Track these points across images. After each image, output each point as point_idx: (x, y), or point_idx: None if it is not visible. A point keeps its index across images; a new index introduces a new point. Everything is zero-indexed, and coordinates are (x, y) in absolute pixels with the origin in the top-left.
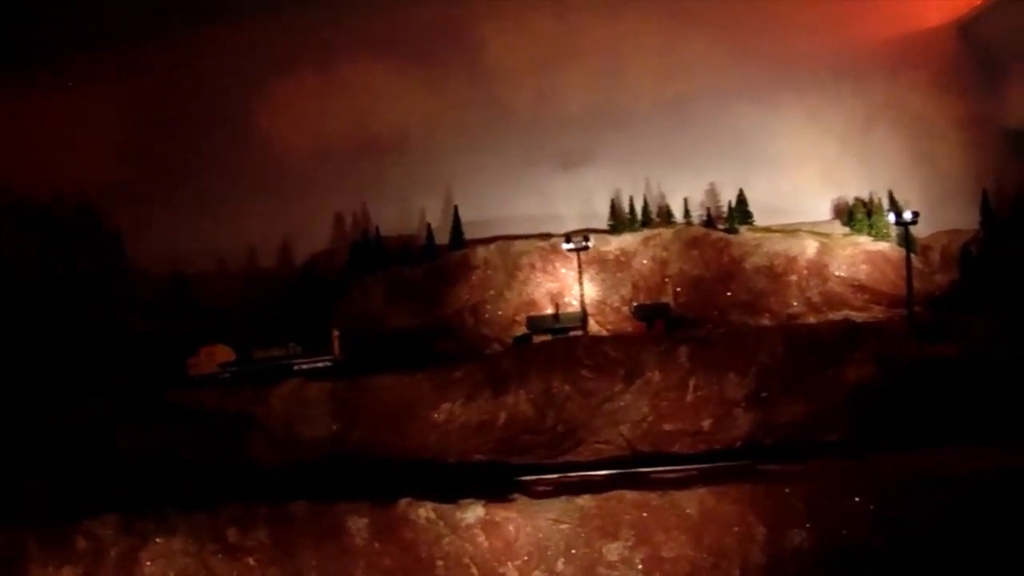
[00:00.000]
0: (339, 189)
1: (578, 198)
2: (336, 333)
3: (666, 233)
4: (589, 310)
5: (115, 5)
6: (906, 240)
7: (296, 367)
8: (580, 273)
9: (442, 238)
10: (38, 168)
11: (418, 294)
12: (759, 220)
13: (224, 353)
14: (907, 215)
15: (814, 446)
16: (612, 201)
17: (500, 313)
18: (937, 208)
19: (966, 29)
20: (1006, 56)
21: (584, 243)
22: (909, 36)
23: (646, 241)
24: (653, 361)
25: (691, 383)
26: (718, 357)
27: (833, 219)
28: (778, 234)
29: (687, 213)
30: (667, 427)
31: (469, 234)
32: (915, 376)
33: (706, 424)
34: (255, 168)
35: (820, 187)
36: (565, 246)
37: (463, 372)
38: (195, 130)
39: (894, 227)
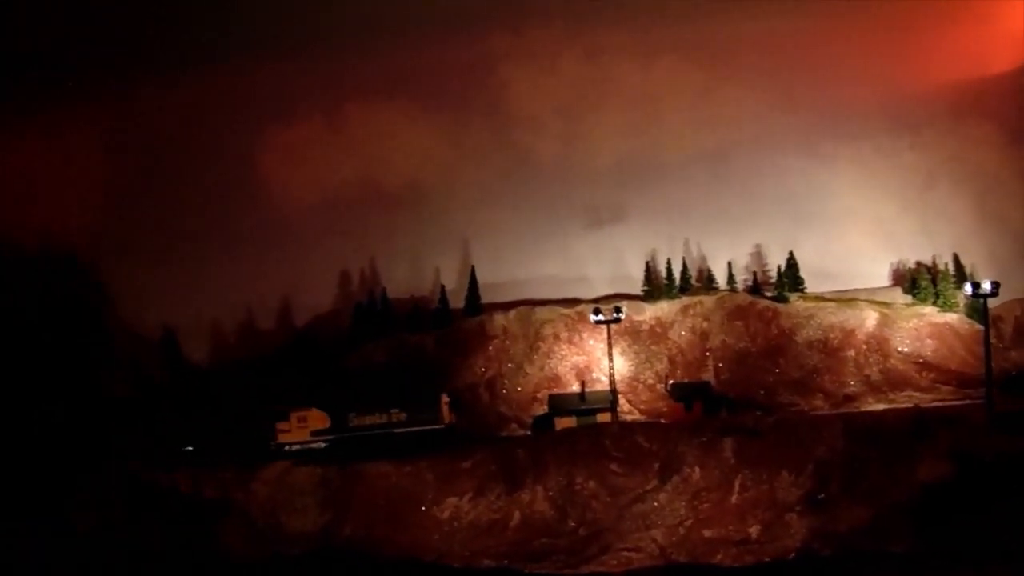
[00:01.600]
0: (345, 245)
1: (608, 259)
2: (446, 398)
3: (707, 301)
4: (620, 387)
5: (106, 43)
6: (984, 313)
7: (400, 435)
8: (610, 347)
9: (457, 301)
10: (17, 216)
11: (428, 365)
12: (809, 286)
13: (318, 419)
14: (985, 285)
15: (880, 558)
16: (647, 263)
17: (519, 389)
18: (1008, 274)
19: None
20: None
21: (616, 315)
22: (973, 83)
23: (685, 310)
24: (693, 455)
25: (737, 482)
26: (768, 451)
27: (893, 286)
28: (833, 303)
29: (731, 278)
30: (708, 533)
31: (487, 297)
32: (998, 476)
33: (754, 531)
34: (254, 220)
35: (877, 249)
36: (593, 318)
37: (472, 462)
38: (189, 178)
39: (965, 296)
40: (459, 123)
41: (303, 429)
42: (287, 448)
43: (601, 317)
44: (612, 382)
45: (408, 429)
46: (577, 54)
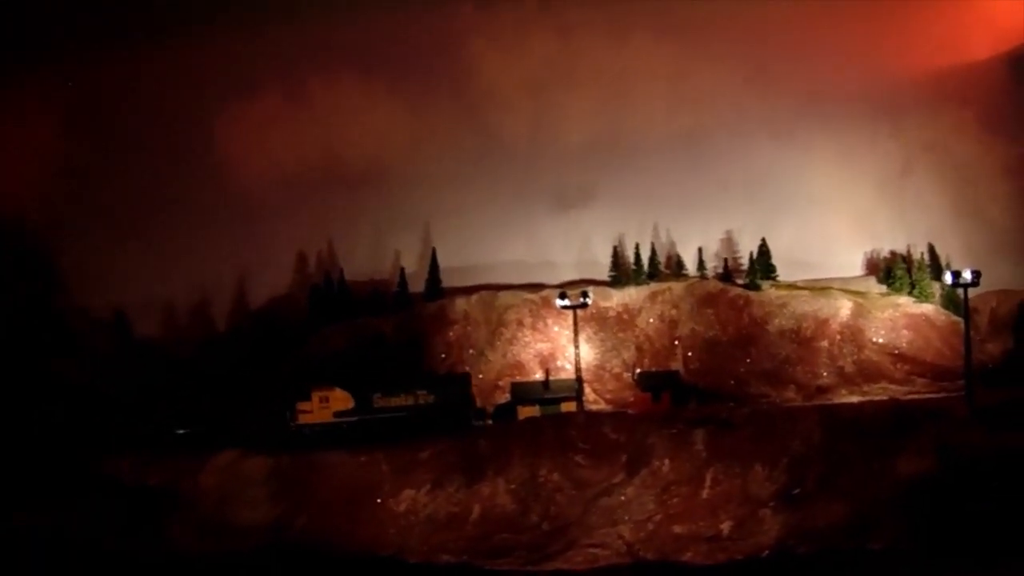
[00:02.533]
0: (304, 224)
1: (575, 243)
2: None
3: (677, 287)
4: (586, 376)
5: (62, 16)
6: (964, 304)
7: (427, 417)
8: (576, 334)
9: (418, 285)
10: None
11: (388, 350)
12: (783, 274)
13: (341, 399)
14: (966, 274)
15: (858, 555)
16: (615, 248)
17: (481, 376)
18: (984, 264)
19: (1019, 63)
20: None
21: (583, 300)
22: (955, 70)
23: (653, 296)
24: (662, 447)
25: (708, 475)
26: (741, 444)
27: (867, 275)
28: (806, 292)
29: (701, 264)
30: (677, 529)
31: (448, 281)
32: (983, 471)
33: (726, 527)
34: (211, 198)
35: (852, 238)
36: (559, 303)
37: (431, 452)
38: (144, 152)
39: (940, 286)
40: (425, 101)
41: (325, 409)
42: (307, 430)
43: (567, 302)
44: (578, 370)
45: (436, 410)
46: (548, 31)
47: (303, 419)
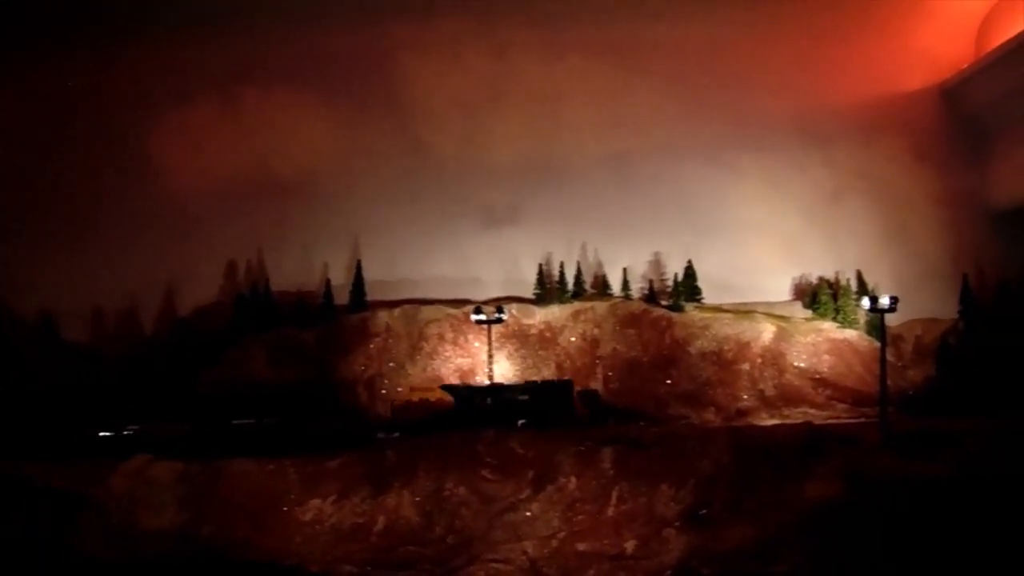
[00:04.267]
0: (234, 234)
1: (502, 261)
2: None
3: (600, 307)
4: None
5: None
6: (881, 330)
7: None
8: (490, 349)
9: (344, 297)
10: None
11: (307, 361)
12: (709, 297)
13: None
14: (884, 300)
15: None
16: (540, 266)
17: (399, 390)
18: (911, 293)
19: (950, 95)
20: (992, 126)
21: (497, 315)
22: (886, 99)
23: (576, 315)
24: (569, 464)
25: (614, 494)
26: (650, 463)
27: (794, 300)
28: (730, 315)
29: (625, 285)
30: (581, 547)
31: (376, 295)
32: (892, 498)
33: (630, 546)
34: (142, 204)
35: (780, 263)
36: (475, 317)
37: (338, 462)
38: (76, 158)
39: (865, 313)
40: (358, 115)
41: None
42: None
43: (483, 317)
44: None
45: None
46: (483, 49)
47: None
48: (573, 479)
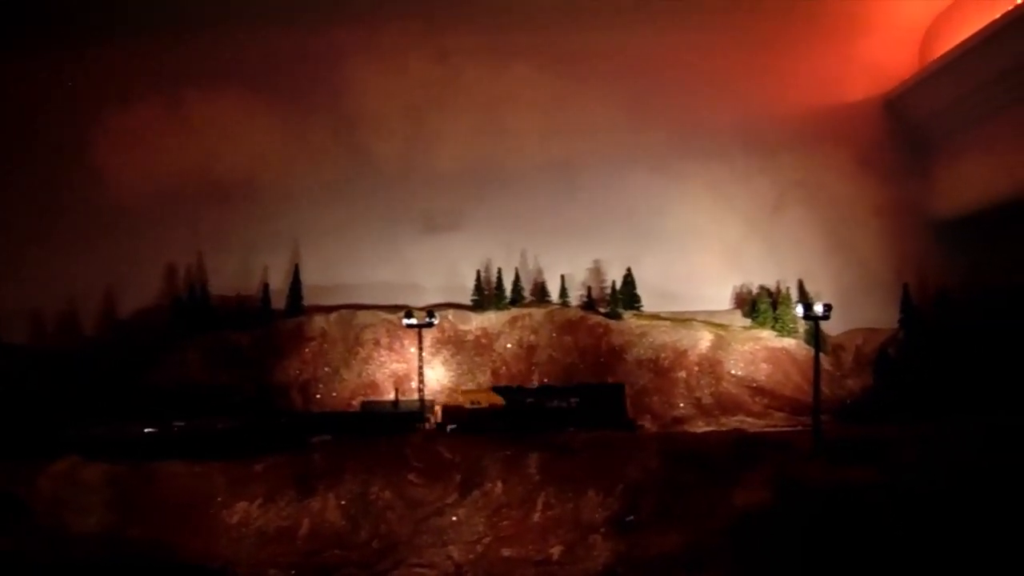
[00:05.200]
0: (175, 237)
1: (443, 267)
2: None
3: (537, 313)
4: (441, 398)
5: None
6: (815, 337)
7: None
8: (420, 353)
9: (283, 302)
10: None
11: (243, 364)
12: (650, 305)
13: (493, 401)
14: (818, 308)
15: None
16: (478, 272)
17: (334, 395)
18: (852, 302)
19: (893, 105)
20: (935, 136)
21: (428, 320)
22: (830, 109)
23: (513, 321)
24: (496, 469)
25: (540, 499)
26: (577, 469)
27: (734, 309)
28: (667, 322)
29: (563, 292)
30: (506, 552)
31: (315, 299)
32: (822, 505)
33: (555, 552)
34: (83, 206)
35: (721, 272)
36: (405, 321)
37: (265, 465)
38: (15, 158)
39: (802, 321)
40: (301, 119)
41: None
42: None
43: (414, 321)
44: (421, 391)
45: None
46: (427, 54)
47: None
48: (500, 484)
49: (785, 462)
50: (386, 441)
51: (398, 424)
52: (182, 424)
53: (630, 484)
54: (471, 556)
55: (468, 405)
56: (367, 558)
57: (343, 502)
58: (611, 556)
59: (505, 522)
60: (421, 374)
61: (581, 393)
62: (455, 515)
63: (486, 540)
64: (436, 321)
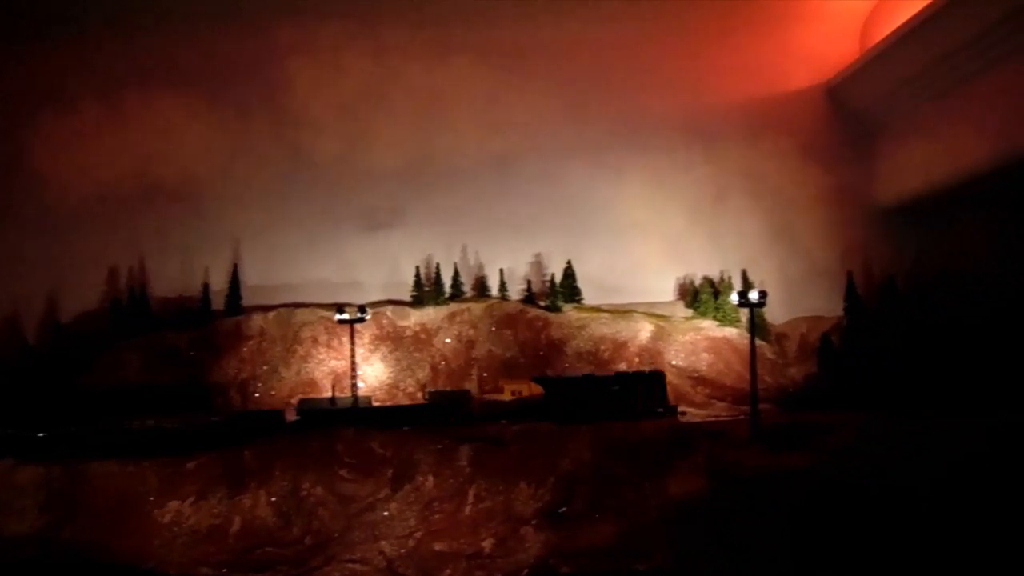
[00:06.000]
0: (117, 240)
1: (384, 264)
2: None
3: (476, 308)
4: (380, 394)
5: None
6: (751, 324)
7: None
8: (352, 349)
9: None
10: None
11: (182, 365)
12: (593, 298)
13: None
14: (753, 295)
15: None
16: (417, 268)
17: (273, 393)
18: (797, 291)
19: (835, 94)
20: (876, 124)
21: (360, 315)
22: (772, 99)
23: (452, 316)
24: (427, 463)
25: (471, 492)
26: (508, 461)
27: (677, 300)
28: (607, 314)
29: (503, 286)
30: (438, 546)
31: (257, 299)
32: (757, 492)
33: (487, 545)
34: (24, 209)
35: (664, 263)
36: (337, 317)
37: (197, 463)
38: None
39: (749, 311)
40: (240, 119)
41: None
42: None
43: (345, 316)
44: (353, 386)
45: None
46: (364, 53)
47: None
48: (431, 478)
49: (719, 450)
50: (317, 437)
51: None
52: (115, 425)
53: (562, 476)
54: (403, 551)
55: (510, 396)
56: (299, 555)
57: (274, 499)
58: (543, 548)
59: (437, 516)
60: (354, 370)
61: (622, 381)
62: (387, 510)
63: (418, 534)
64: (368, 317)
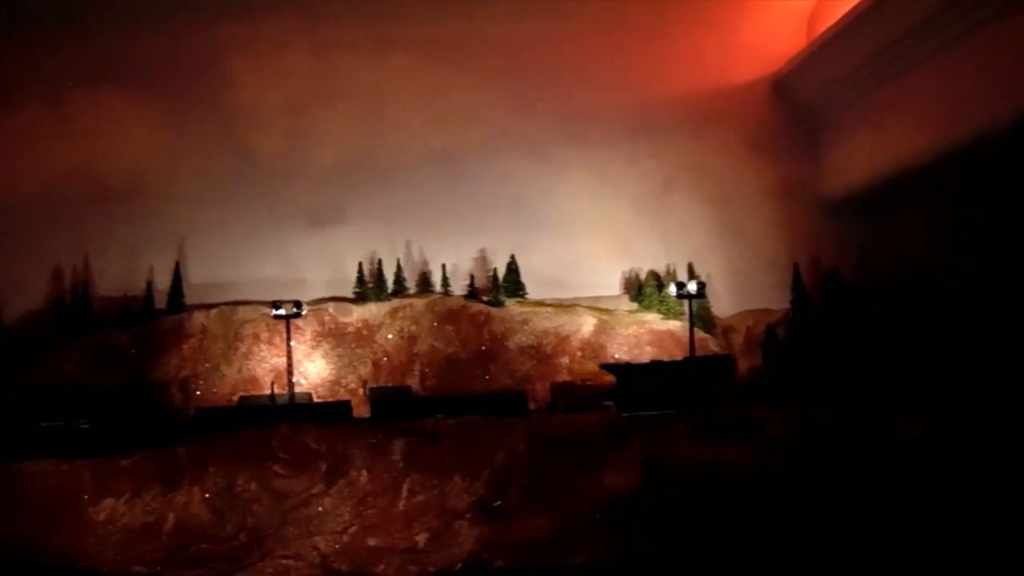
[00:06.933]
0: (60, 239)
1: (327, 261)
2: None
3: (418, 304)
4: (322, 391)
5: None
6: (690, 316)
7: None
8: (289, 346)
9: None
10: None
11: (123, 364)
12: (538, 293)
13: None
14: (691, 286)
15: (558, 570)
16: (360, 265)
17: (215, 391)
18: (745, 284)
19: (781, 85)
20: (823, 115)
21: (295, 310)
22: (718, 91)
23: (394, 312)
24: (361, 457)
25: (405, 486)
26: (443, 455)
27: (623, 294)
28: (550, 309)
29: (445, 281)
30: (372, 541)
31: (203, 297)
32: (692, 485)
33: (421, 539)
34: None
35: (610, 258)
36: (274, 312)
37: (132, 460)
38: None
39: (688, 302)
40: (183, 117)
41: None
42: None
43: (282, 312)
44: (290, 382)
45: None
46: (306, 48)
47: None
48: (365, 472)
49: (655, 443)
50: (252, 433)
51: None
52: (51, 423)
53: (497, 469)
54: (337, 546)
55: (580, 383)
56: (234, 551)
57: (207, 495)
58: (476, 542)
59: (371, 511)
60: (290, 365)
61: (693, 367)
62: (321, 505)
63: (352, 530)
64: (304, 312)
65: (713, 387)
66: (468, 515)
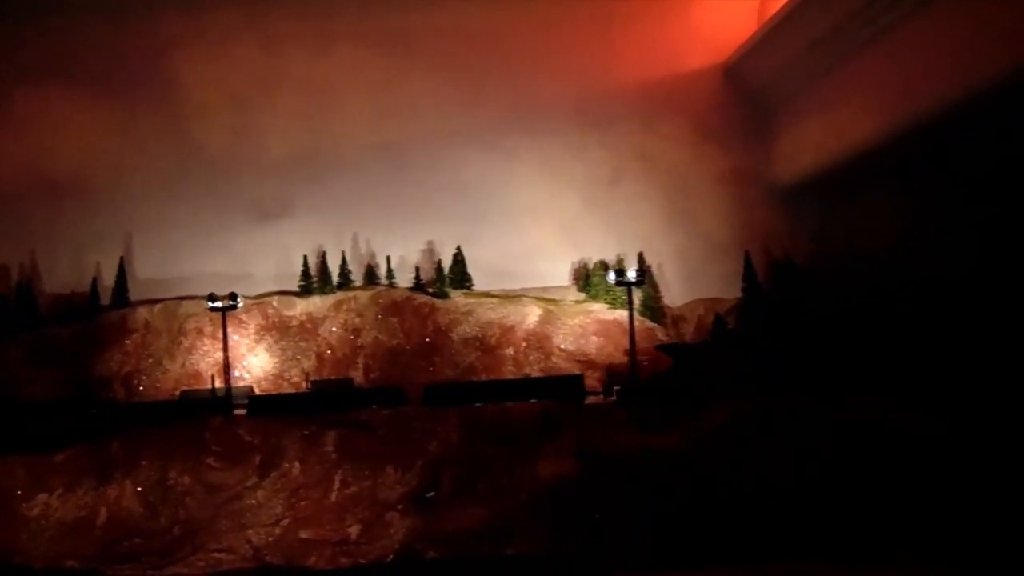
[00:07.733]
0: (7, 236)
1: (274, 255)
2: None
3: (362, 296)
4: (265, 385)
5: None
6: (629, 303)
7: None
8: (224, 337)
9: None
10: None
11: (66, 360)
12: (487, 284)
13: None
14: (630, 274)
15: (492, 561)
16: (304, 258)
17: (157, 386)
18: (696, 273)
19: (732, 72)
20: (773, 102)
21: (231, 302)
22: (667, 80)
23: (338, 305)
24: (294, 449)
25: (337, 478)
26: (376, 446)
27: (572, 284)
28: (495, 299)
29: (390, 273)
30: (304, 534)
31: (150, 293)
32: (627, 474)
33: (353, 531)
34: None
35: (559, 248)
36: (209, 305)
37: (65, 455)
38: None
39: (637, 292)
40: (129, 112)
41: None
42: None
43: (218, 304)
44: (227, 375)
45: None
46: (252, 43)
47: None
48: (297, 464)
49: (591, 432)
50: (185, 426)
51: None
52: None
53: (430, 460)
54: (270, 539)
55: (640, 362)
56: (167, 545)
57: (140, 489)
58: (409, 533)
59: (303, 503)
60: (226, 358)
61: (749, 348)
62: (254, 498)
63: (284, 522)
64: (240, 304)
65: (769, 368)
66: (400, 506)
